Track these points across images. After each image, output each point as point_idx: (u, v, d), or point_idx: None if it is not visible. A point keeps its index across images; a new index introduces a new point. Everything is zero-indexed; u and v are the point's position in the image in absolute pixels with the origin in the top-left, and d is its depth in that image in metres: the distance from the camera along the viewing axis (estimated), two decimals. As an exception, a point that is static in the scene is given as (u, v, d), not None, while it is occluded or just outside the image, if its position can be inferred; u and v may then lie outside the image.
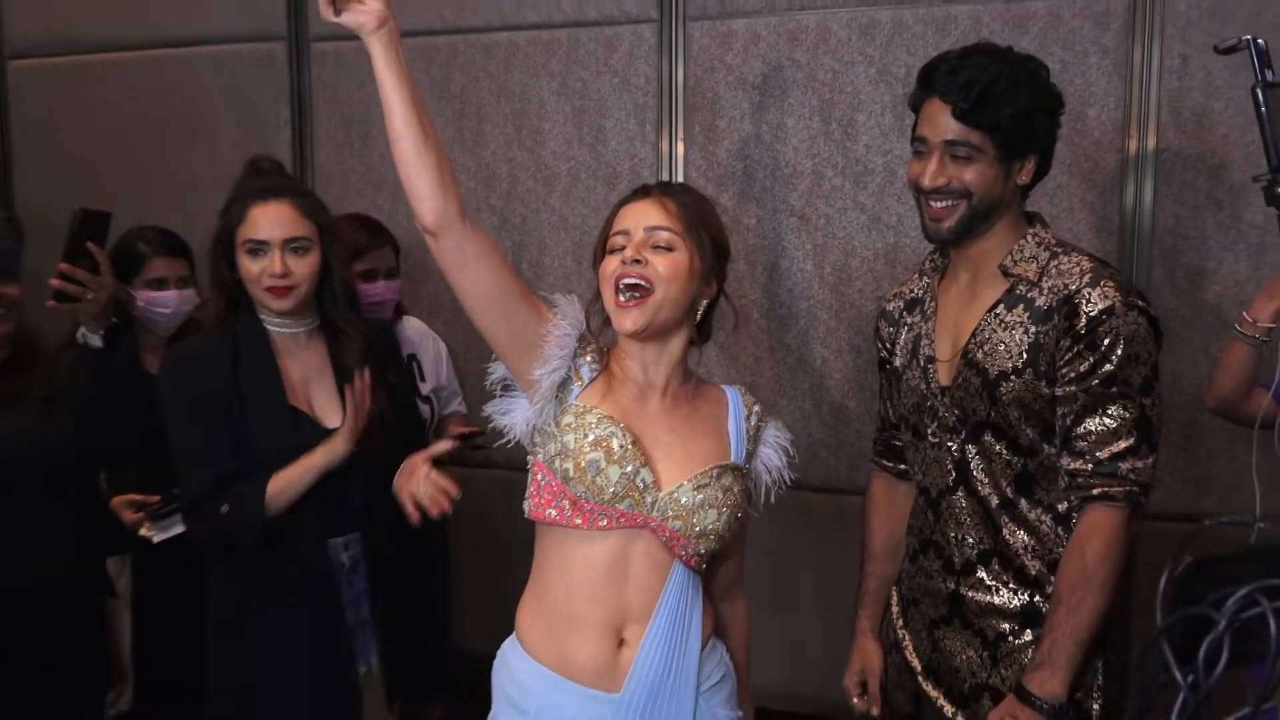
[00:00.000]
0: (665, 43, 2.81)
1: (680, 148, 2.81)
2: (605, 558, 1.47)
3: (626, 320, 1.49)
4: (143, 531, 2.14)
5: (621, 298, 1.49)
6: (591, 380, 1.53)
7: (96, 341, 2.00)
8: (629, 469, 1.46)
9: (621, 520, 1.47)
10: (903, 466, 1.87)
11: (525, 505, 1.54)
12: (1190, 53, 2.43)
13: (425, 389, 2.43)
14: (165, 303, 2.39)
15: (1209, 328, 2.44)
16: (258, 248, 1.84)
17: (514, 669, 1.54)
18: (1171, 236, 2.46)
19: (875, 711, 1.87)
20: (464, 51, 2.98)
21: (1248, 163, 2.41)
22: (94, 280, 1.96)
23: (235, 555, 1.83)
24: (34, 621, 2.01)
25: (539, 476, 1.51)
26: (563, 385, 1.51)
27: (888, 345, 1.85)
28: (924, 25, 2.59)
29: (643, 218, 1.52)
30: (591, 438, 1.47)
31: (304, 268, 1.86)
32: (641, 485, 1.47)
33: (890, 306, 1.86)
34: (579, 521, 1.47)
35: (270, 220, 1.84)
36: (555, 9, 2.90)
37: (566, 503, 1.47)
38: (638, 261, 1.48)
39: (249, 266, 1.85)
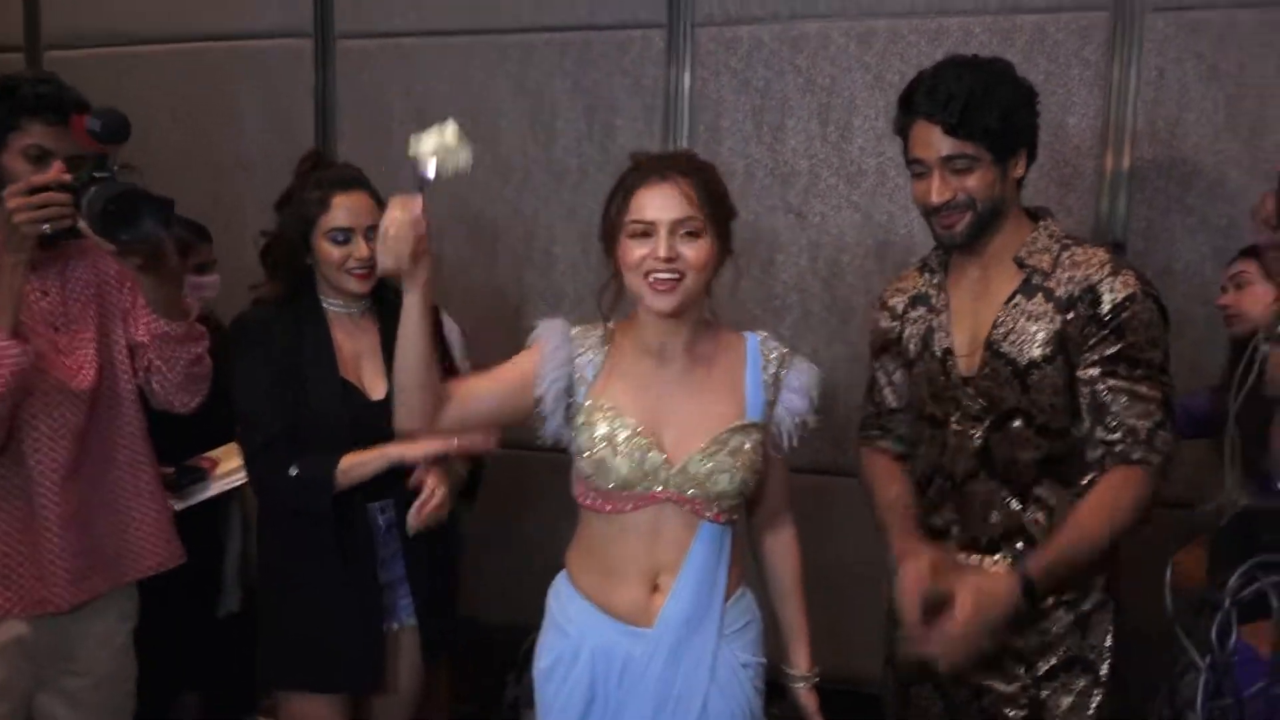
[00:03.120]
0: (674, 47, 2.97)
1: (685, 146, 2.96)
2: (637, 527, 1.63)
3: (662, 303, 1.55)
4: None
5: (652, 279, 1.55)
6: (596, 374, 1.62)
7: None
8: (636, 457, 1.57)
9: (643, 500, 1.60)
10: (899, 449, 1.94)
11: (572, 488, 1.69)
12: (1166, 66, 2.60)
13: None
14: (212, 285, 2.57)
15: (1176, 325, 2.56)
16: (343, 235, 1.96)
17: (562, 598, 1.71)
18: (1143, 239, 2.62)
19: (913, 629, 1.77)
20: (483, 51, 3.14)
21: (1216, 170, 2.57)
22: None
23: (297, 515, 1.98)
24: None
25: (574, 470, 1.66)
26: (570, 389, 1.62)
27: (893, 336, 1.89)
28: (918, 35, 2.75)
29: (667, 209, 1.54)
30: (600, 434, 1.58)
31: None
32: (651, 468, 1.58)
33: (893, 301, 1.90)
34: (608, 508, 1.62)
35: (353, 209, 1.97)
36: (570, 13, 3.06)
37: (593, 493, 1.63)
38: (671, 259, 1.53)
39: (332, 252, 1.97)
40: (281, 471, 1.93)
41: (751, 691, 1.70)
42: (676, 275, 1.54)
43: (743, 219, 2.88)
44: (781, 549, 1.80)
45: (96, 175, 1.70)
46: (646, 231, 1.54)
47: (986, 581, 1.65)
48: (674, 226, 1.53)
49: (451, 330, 2.71)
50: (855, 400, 2.82)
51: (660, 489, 1.60)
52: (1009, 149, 1.68)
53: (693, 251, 1.54)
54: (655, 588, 1.64)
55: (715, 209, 1.57)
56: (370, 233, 1.95)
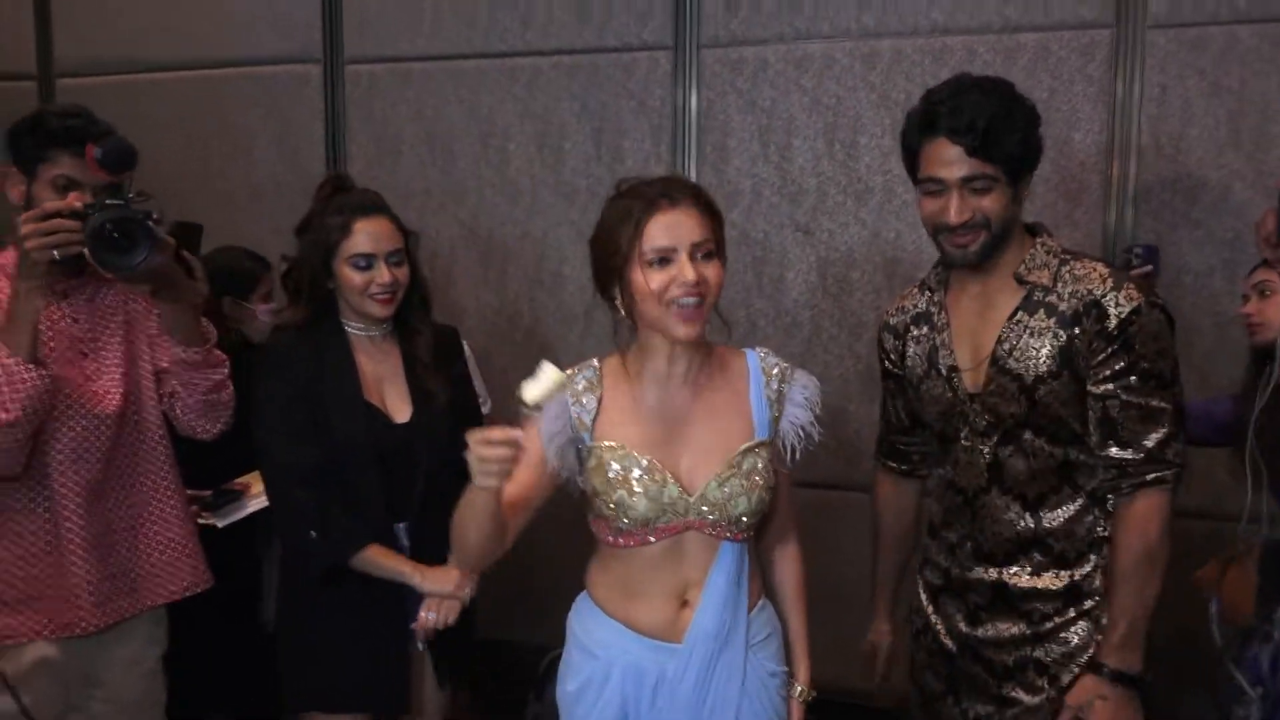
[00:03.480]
0: (680, 68, 3.00)
1: (693, 166, 2.99)
2: (659, 554, 1.62)
3: (689, 330, 1.54)
4: (203, 520, 2.32)
5: (677, 307, 1.53)
6: (596, 416, 1.60)
7: None
8: (653, 492, 1.56)
9: (664, 532, 1.60)
10: (906, 466, 2.00)
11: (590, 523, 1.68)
12: (1169, 83, 2.62)
13: None
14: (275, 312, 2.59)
15: (1185, 336, 2.60)
16: (365, 261, 1.96)
17: (586, 619, 1.70)
18: (1150, 253, 2.64)
19: (879, 682, 2.01)
20: (491, 74, 3.18)
21: (1221, 184, 2.60)
22: (190, 285, 2.14)
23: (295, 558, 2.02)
24: None
25: (590, 509, 1.64)
26: (574, 437, 1.60)
27: (892, 357, 1.93)
28: (922, 55, 2.79)
29: (685, 233, 1.52)
30: (612, 475, 1.57)
31: (404, 276, 2.01)
32: (669, 500, 1.57)
33: (894, 320, 1.93)
34: (629, 543, 1.61)
35: (374, 234, 1.97)
36: (577, 36, 3.09)
37: (613, 532, 1.62)
38: (698, 282, 1.52)
39: (354, 278, 1.97)
40: (303, 526, 1.95)
41: (779, 701, 1.71)
42: (700, 299, 1.53)
43: (751, 237, 2.96)
44: (786, 562, 1.81)
45: (108, 202, 1.72)
46: (666, 258, 1.52)
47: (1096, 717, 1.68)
48: (693, 250, 1.53)
49: (464, 347, 2.71)
50: (866, 415, 2.86)
51: (678, 519, 1.59)
52: (1024, 170, 1.71)
53: (712, 272, 1.55)
54: (684, 603, 1.64)
55: (720, 228, 1.58)
56: (391, 257, 1.99)
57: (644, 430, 1.60)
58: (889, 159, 2.81)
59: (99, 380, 1.89)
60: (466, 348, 2.70)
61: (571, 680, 1.70)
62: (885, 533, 2.04)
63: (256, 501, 2.40)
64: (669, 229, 1.52)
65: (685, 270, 1.51)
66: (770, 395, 1.65)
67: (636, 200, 1.54)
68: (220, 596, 2.12)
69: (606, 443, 1.60)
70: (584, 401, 1.61)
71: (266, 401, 1.99)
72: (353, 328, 2.06)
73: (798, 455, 1.67)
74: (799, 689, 1.76)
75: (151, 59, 3.52)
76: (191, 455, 2.24)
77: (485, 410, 2.78)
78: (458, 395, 2.09)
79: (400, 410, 2.04)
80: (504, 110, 3.17)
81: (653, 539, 1.60)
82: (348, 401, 1.99)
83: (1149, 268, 2.38)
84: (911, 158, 1.75)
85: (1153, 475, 1.66)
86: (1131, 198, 2.65)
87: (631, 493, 1.57)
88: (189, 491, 2.38)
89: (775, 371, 1.67)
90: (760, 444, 1.62)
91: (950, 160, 1.67)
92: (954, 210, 1.68)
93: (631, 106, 3.05)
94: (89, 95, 3.56)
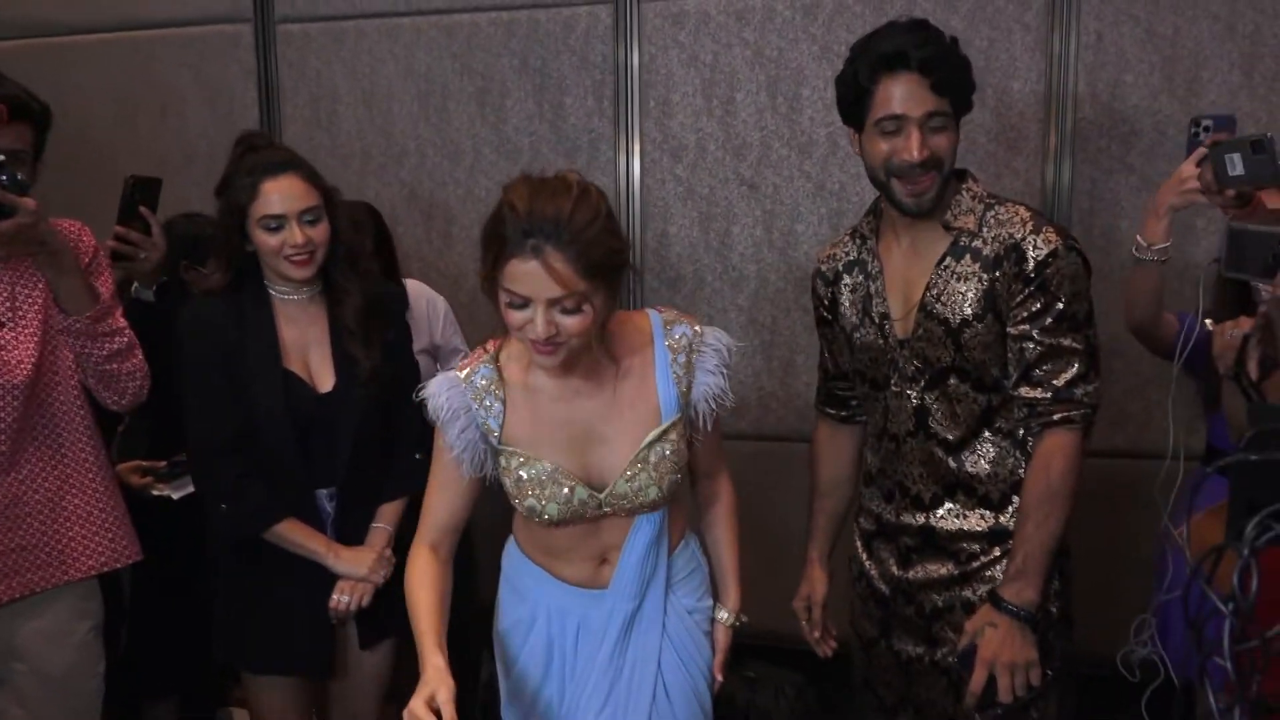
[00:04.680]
0: (620, 23, 2.97)
1: (636, 122, 2.97)
2: (576, 531, 1.64)
3: (548, 362, 1.50)
4: (157, 491, 2.30)
5: (535, 344, 1.48)
6: (502, 419, 1.57)
7: (149, 295, 2.17)
8: (562, 498, 1.56)
9: (578, 521, 1.61)
10: (844, 413, 2.03)
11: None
12: (1104, 30, 2.65)
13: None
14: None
15: (1122, 280, 2.67)
16: (275, 222, 1.92)
17: (515, 561, 1.74)
18: (1088, 199, 2.68)
19: (818, 634, 2.04)
20: (428, 32, 3.11)
21: (1156, 130, 2.64)
22: (146, 241, 2.12)
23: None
24: None
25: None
26: (484, 435, 1.57)
27: (825, 304, 1.96)
28: (863, 5, 2.78)
29: (540, 288, 1.41)
30: (522, 478, 1.57)
31: (319, 235, 1.96)
32: (579, 502, 1.57)
33: (825, 268, 1.95)
34: (545, 529, 1.64)
35: (284, 194, 1.91)
36: (516, -9, 3.04)
37: (526, 519, 1.64)
38: (551, 335, 1.44)
39: (267, 240, 1.93)
40: (215, 498, 1.97)
41: (700, 637, 1.75)
42: (558, 345, 1.46)
43: (697, 192, 2.95)
44: (715, 497, 1.82)
45: None
46: (523, 304, 1.44)
47: (988, 649, 1.71)
48: (550, 304, 1.42)
49: (435, 305, 2.64)
50: (812, 367, 2.87)
51: (591, 513, 1.60)
52: (964, 110, 1.74)
53: (574, 324, 1.44)
54: (603, 560, 1.67)
55: (593, 273, 1.42)
56: (305, 216, 1.93)
57: (549, 433, 1.58)
58: (832, 111, 2.75)
59: (14, 350, 1.84)
60: (441, 305, 2.64)
61: (503, 618, 1.74)
62: (821, 479, 2.06)
63: None
64: (527, 278, 1.41)
65: (538, 322, 1.43)
66: (677, 371, 1.59)
67: (508, 228, 1.42)
68: (173, 570, 2.11)
69: (513, 449, 1.58)
70: (487, 404, 1.56)
71: (184, 370, 1.97)
72: (277, 291, 2.02)
73: (709, 424, 1.64)
74: (725, 613, 1.79)
75: (76, 21, 3.40)
76: (157, 424, 2.22)
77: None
78: (388, 362, 2.05)
79: (324, 378, 2.01)
80: (442, 68, 3.12)
81: (568, 529, 1.62)
82: (267, 370, 1.96)
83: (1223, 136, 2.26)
84: (860, 99, 1.72)
85: (1060, 415, 1.70)
86: (1069, 146, 2.69)
87: (541, 500, 1.57)
88: (146, 462, 2.36)
89: (682, 342, 1.60)
90: (668, 427, 1.59)
91: (916, 96, 1.67)
92: (915, 146, 1.67)
93: (573, 62, 3.01)
94: (10, 59, 3.44)
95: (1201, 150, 1.76)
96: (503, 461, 1.58)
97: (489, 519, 2.44)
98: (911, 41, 1.66)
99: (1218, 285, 1.92)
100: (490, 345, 1.61)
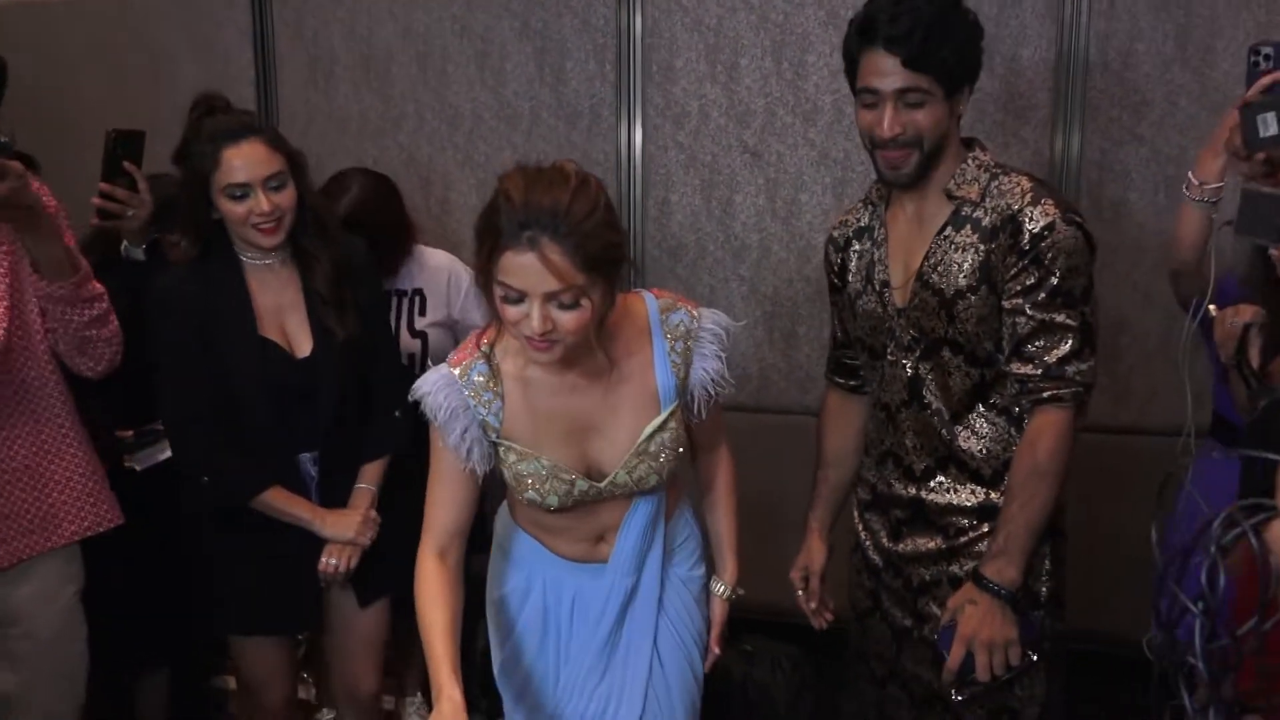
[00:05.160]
0: (623, -15, 2.90)
1: (638, 87, 2.92)
2: (574, 514, 1.62)
3: (544, 358, 1.47)
4: (126, 462, 2.26)
5: (530, 340, 1.44)
6: (501, 416, 1.53)
7: (139, 254, 2.11)
8: (563, 491, 1.55)
9: (579, 509, 1.60)
10: (854, 382, 1.99)
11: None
12: (1117, -4, 2.60)
13: (422, 323, 2.47)
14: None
15: (1130, 254, 2.63)
16: (240, 190, 1.87)
17: (508, 528, 1.71)
18: (1097, 169, 2.64)
19: (814, 605, 2.03)
20: (426, -7, 3.05)
21: (1168, 100, 2.59)
22: (133, 198, 2.05)
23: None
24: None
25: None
26: (484, 431, 1.53)
27: (835, 270, 1.93)
28: (870, -31, 2.72)
29: (536, 282, 1.37)
30: (523, 473, 1.54)
31: (286, 201, 1.91)
32: (579, 493, 1.56)
33: (837, 234, 1.93)
34: (540, 512, 1.62)
35: (246, 161, 1.86)
36: (516, -49, 2.98)
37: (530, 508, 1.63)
38: (546, 332, 1.40)
39: (233, 209, 1.88)
40: (195, 470, 1.98)
41: (693, 604, 1.74)
42: (554, 341, 1.43)
43: (700, 160, 2.90)
44: (714, 469, 1.80)
45: None
46: (519, 299, 1.39)
47: (967, 626, 1.69)
48: (546, 298, 1.38)
49: (458, 279, 2.54)
50: (816, 338, 2.86)
51: (594, 499, 1.58)
52: (959, 85, 1.68)
53: (571, 319, 1.40)
54: (600, 538, 1.66)
55: (596, 268, 1.38)
56: (270, 182, 1.88)
57: (548, 427, 1.55)
58: (837, 78, 2.73)
59: None
60: (464, 279, 2.53)
61: (498, 586, 1.72)
62: (827, 449, 2.03)
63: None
64: (523, 271, 1.36)
65: (533, 317, 1.39)
66: (675, 359, 1.57)
67: (503, 219, 1.37)
68: (152, 541, 2.10)
69: (512, 444, 1.54)
70: (485, 400, 1.52)
71: (158, 343, 1.94)
72: (247, 257, 1.98)
73: (703, 411, 1.60)
74: (722, 586, 1.78)
75: (64, -21, 3.33)
76: (123, 393, 2.17)
77: None
78: (363, 323, 2.02)
79: (301, 344, 1.99)
80: (441, 30, 3.06)
81: (567, 514, 1.61)
82: (243, 338, 1.94)
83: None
84: (852, 67, 1.72)
85: (1049, 392, 1.67)
86: (1079, 115, 2.64)
87: (542, 492, 1.55)
88: (116, 432, 2.32)
89: (679, 330, 1.57)
90: (667, 416, 1.57)
91: (885, 71, 1.64)
92: (886, 123, 1.65)
93: (575, 25, 2.95)
94: (1, 19, 3.38)
95: (1266, 79, 1.57)
96: (501, 455, 1.56)
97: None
98: (886, 14, 1.62)
99: (1252, 254, 1.82)
100: (484, 338, 1.55)
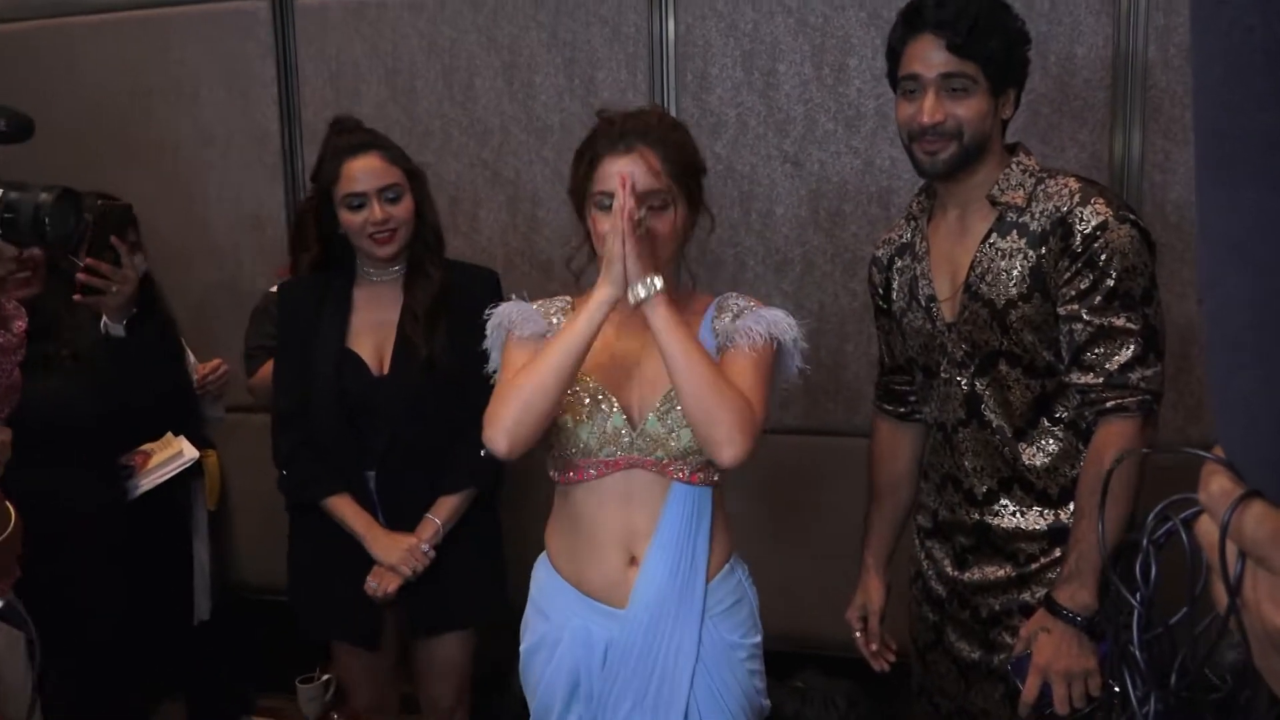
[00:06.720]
0: (655, -9, 2.81)
1: (673, 96, 2.82)
2: (607, 494, 1.60)
3: (634, 256, 1.52)
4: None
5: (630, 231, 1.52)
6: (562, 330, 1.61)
7: (119, 332, 2.05)
8: (598, 421, 1.57)
9: (608, 467, 1.59)
10: (903, 409, 1.91)
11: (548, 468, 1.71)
12: (1177, -12, 2.46)
13: None
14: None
15: (1196, 261, 2.48)
16: (357, 200, 1.99)
17: (542, 579, 1.70)
18: (1160, 172, 2.49)
19: (874, 646, 1.91)
20: (452, 4, 2.97)
21: (1234, 97, 2.45)
22: (116, 273, 1.99)
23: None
24: (60, 565, 2.06)
25: (548, 449, 1.67)
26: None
27: (880, 292, 1.87)
28: (913, -33, 2.60)
29: (633, 181, 1.51)
30: (569, 398, 1.58)
31: (401, 212, 2.03)
32: (612, 430, 1.57)
33: (880, 253, 1.88)
34: (575, 477, 1.62)
35: (362, 173, 2.00)
36: (543, -40, 2.89)
37: (562, 464, 1.63)
38: (641, 219, 1.51)
39: (351, 219, 2.00)
40: (279, 460, 2.11)
41: (744, 672, 1.65)
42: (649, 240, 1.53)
43: (738, 170, 2.78)
44: None
45: None
46: (613, 204, 1.51)
47: (1041, 655, 1.60)
48: (639, 200, 1.50)
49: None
50: (865, 355, 2.73)
51: (623, 455, 1.57)
52: (1004, 82, 1.63)
53: (662, 224, 1.54)
54: (632, 560, 1.60)
55: (684, 176, 1.56)
56: (385, 194, 2.00)
57: (599, 359, 1.61)
58: (881, 82, 2.63)
59: None
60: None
61: (528, 637, 1.72)
62: (879, 481, 1.95)
63: (151, 479, 2.31)
64: (616, 175, 1.51)
65: (627, 223, 1.48)
66: (719, 327, 1.63)
67: (600, 137, 1.57)
68: (163, 581, 2.11)
69: None
70: (554, 321, 1.65)
71: (277, 340, 2.17)
72: (367, 272, 2.10)
73: (740, 344, 1.58)
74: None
75: (89, 1, 3.27)
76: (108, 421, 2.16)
77: None
78: (451, 349, 2.03)
79: (386, 361, 2.06)
80: (467, 43, 2.97)
81: (596, 474, 1.57)
82: (329, 348, 2.04)
83: None
84: (895, 60, 1.68)
85: (1113, 402, 1.58)
86: (1140, 115, 2.50)
87: (576, 419, 1.55)
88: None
89: (733, 307, 1.66)
90: None
91: (931, 56, 1.60)
92: (927, 108, 1.60)
93: (605, 34, 2.85)
94: (21, 41, 3.34)
95: None
96: None
97: (519, 527, 2.33)
98: (935, 1, 1.61)
99: None
100: (568, 296, 1.71)
